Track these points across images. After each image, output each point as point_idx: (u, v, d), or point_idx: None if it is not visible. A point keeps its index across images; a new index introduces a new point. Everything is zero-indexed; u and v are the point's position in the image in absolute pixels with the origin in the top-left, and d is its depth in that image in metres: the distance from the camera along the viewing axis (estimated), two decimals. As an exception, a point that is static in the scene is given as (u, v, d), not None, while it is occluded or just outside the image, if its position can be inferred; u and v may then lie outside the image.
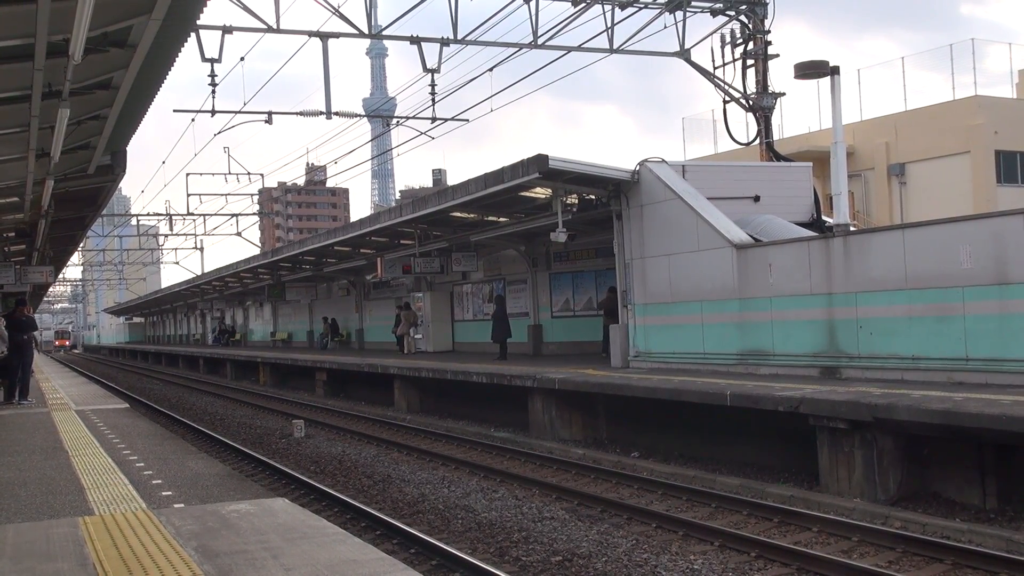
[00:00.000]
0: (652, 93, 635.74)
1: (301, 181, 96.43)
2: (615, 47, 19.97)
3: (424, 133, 21.73)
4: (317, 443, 17.57)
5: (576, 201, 18.69)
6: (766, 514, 10.10)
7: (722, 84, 21.20)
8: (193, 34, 16.38)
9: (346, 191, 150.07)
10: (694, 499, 11.10)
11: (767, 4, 20.71)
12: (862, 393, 10.77)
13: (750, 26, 20.76)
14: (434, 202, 20.40)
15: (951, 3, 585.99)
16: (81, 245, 37.82)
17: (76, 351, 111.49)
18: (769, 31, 20.76)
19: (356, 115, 22.29)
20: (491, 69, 19.82)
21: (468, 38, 18.89)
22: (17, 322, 16.61)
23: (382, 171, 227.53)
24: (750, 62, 20.90)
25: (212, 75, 17.90)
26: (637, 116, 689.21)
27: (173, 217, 43.53)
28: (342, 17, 17.63)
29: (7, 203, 16.41)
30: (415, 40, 18.79)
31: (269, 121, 20.92)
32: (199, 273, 49.96)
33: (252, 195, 63.75)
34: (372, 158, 38.79)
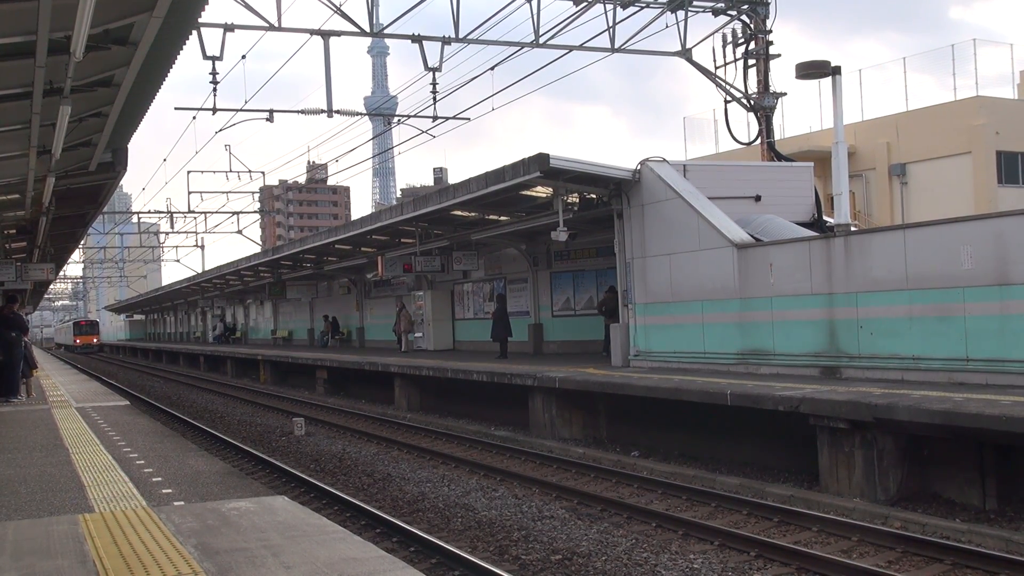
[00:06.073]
0: (645, 95, 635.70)
1: (302, 179, 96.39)
2: (616, 47, 19.97)
3: (425, 132, 21.82)
4: (317, 441, 17.58)
5: (577, 200, 18.69)
6: (766, 514, 10.10)
7: (723, 84, 21.20)
8: (195, 32, 16.36)
9: (347, 189, 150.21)
10: (694, 498, 11.10)
11: (768, 4, 20.71)
12: (862, 393, 10.77)
13: (751, 26, 20.76)
14: (435, 201, 20.40)
15: (940, 7, 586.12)
16: (82, 242, 37.81)
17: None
18: (771, 31, 20.78)
19: (357, 113, 22.31)
20: (492, 68, 19.85)
21: (469, 37, 18.91)
22: (4, 319, 16.73)
23: (383, 169, 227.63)
24: (751, 62, 20.90)
25: (213, 73, 17.90)
26: (630, 117, 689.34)
27: (174, 215, 43.59)
28: (343, 15, 17.64)
29: (8, 200, 16.43)
30: (416, 39, 18.80)
31: (270, 119, 20.93)
32: (200, 271, 49.97)
33: (253, 193, 63.63)
34: (373, 156, 38.80)
